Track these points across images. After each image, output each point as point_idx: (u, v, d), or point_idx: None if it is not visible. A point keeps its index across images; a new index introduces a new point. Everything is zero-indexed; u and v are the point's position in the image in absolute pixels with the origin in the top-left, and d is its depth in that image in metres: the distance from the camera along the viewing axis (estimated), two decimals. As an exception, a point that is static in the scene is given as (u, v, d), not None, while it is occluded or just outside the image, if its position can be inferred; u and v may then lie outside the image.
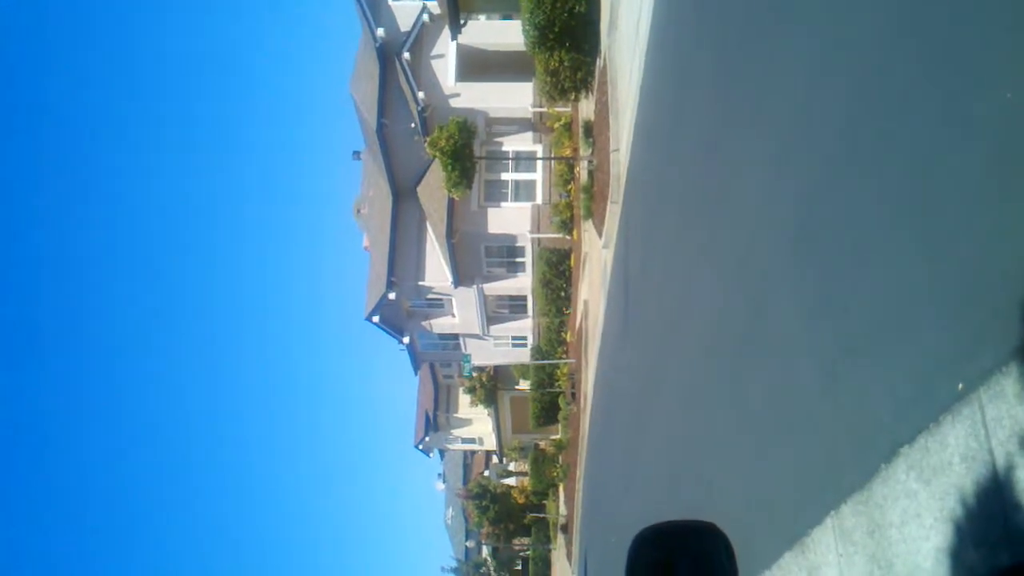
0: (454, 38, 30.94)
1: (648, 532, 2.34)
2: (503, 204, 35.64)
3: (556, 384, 36.72)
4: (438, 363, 50.45)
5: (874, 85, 4.26)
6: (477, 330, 40.15)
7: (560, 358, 35.13)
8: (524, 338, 40.92)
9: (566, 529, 37.47)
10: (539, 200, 35.07)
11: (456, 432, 55.61)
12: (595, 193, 22.28)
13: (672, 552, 2.31)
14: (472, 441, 56.74)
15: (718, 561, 2.27)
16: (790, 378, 5.46)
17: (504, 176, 35.81)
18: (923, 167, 3.68)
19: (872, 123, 4.26)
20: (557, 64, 23.48)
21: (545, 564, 48.18)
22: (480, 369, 44.86)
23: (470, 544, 65.17)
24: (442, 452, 63.10)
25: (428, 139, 26.87)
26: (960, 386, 3.20)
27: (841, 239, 4.61)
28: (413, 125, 33.89)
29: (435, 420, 53.83)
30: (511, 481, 54.63)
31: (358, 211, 44.87)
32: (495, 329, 40.48)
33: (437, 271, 36.92)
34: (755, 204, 6.48)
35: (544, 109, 33.08)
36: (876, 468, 3.94)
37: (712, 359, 7.96)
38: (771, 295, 5.90)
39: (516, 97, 34.52)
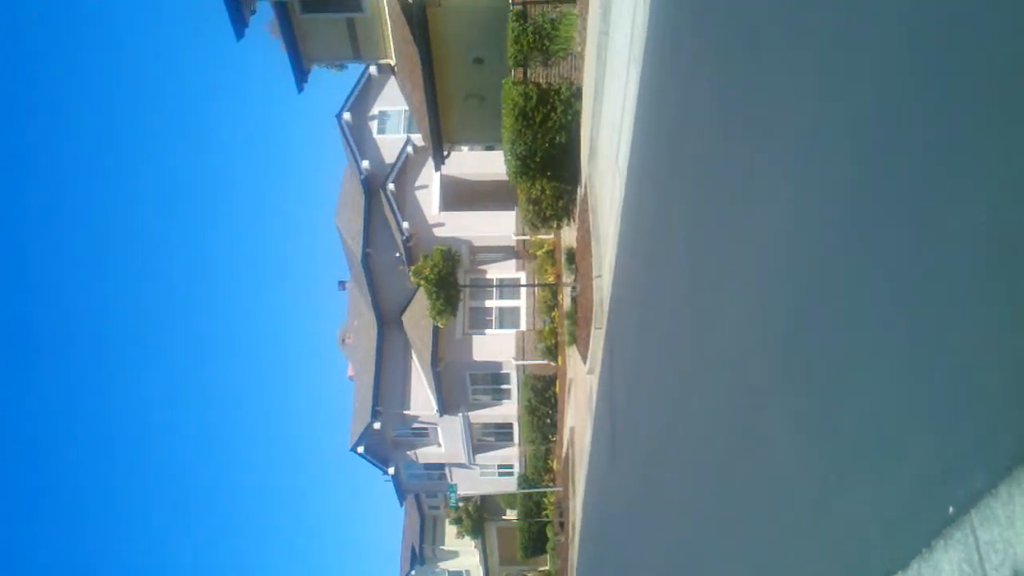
0: (438, 169, 31.59)
1: None
2: (488, 331, 35.77)
3: (544, 513, 36.12)
4: (424, 493, 49.63)
5: (857, 197, 4.30)
6: (463, 459, 39.69)
7: (547, 486, 34.64)
8: (510, 466, 40.43)
9: (557, 666, 36.19)
10: (523, 327, 35.22)
11: (443, 565, 54.22)
12: (579, 319, 22.37)
13: None
14: (459, 574, 55.27)
15: None
16: (780, 502, 5.35)
17: (488, 303, 36.06)
18: (909, 284, 3.69)
19: (855, 233, 4.28)
20: (539, 193, 23.94)
21: None
22: (466, 499, 44.11)
23: None
24: (429, 587, 61.41)
25: (412, 268, 27.12)
26: (951, 510, 3.12)
27: (830, 359, 4.58)
28: (398, 254, 34.28)
29: (421, 553, 52.56)
30: (500, 616, 53.01)
31: (343, 340, 44.88)
32: (481, 458, 40.02)
33: (422, 400, 36.74)
34: (739, 326, 6.49)
35: (527, 237, 33.56)
36: None
37: (700, 484, 7.83)
38: (759, 417, 5.84)
39: (499, 225, 35.07)
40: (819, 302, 4.75)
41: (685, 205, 9.05)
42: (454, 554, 53.32)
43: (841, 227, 4.43)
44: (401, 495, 46.51)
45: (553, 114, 21.71)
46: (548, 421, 34.03)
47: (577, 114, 21.22)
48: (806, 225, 5.02)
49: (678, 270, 9.43)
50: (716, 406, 7.26)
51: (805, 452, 4.88)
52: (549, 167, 22.81)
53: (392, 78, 34.29)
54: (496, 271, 36.42)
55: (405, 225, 34.12)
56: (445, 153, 28.79)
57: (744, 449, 6.23)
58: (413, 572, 52.63)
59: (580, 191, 22.11)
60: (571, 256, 24.56)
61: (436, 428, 38.62)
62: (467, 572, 54.20)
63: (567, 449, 29.07)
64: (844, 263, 4.40)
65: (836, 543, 4.36)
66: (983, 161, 3.08)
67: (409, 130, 35.74)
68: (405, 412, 37.51)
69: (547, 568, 38.51)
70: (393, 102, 36.10)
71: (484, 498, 45.76)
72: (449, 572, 54.79)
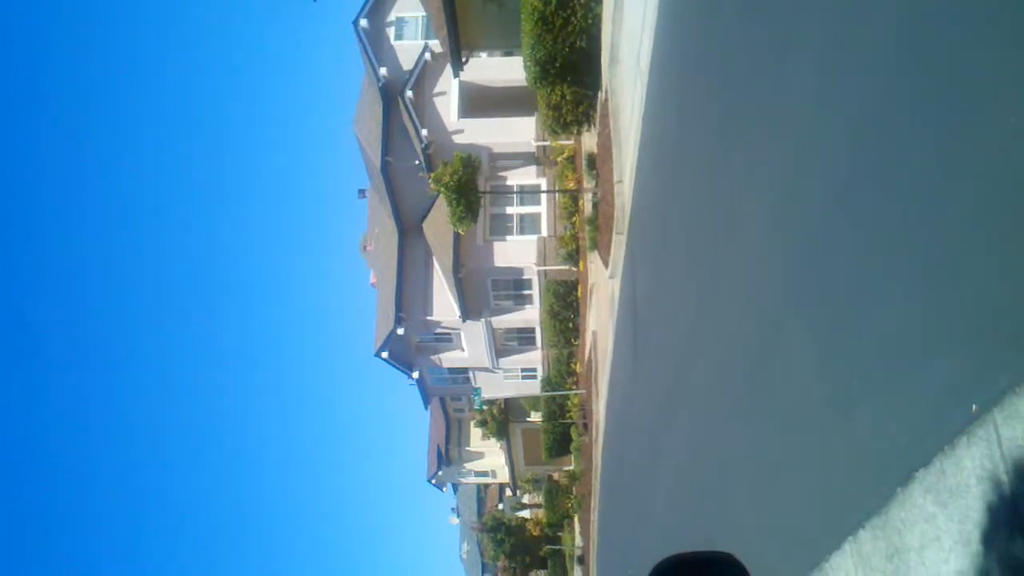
0: (456, 75, 31.23)
1: (666, 564, 2.34)
2: (508, 238, 35.79)
3: (567, 415, 36.66)
4: (448, 397, 50.41)
5: (877, 112, 4.32)
6: (486, 363, 40.14)
7: (570, 389, 35.09)
8: (534, 370, 40.90)
9: (583, 560, 37.25)
10: (544, 233, 35.21)
11: (469, 466, 55.42)
12: (600, 224, 22.38)
13: None
14: (485, 475, 56.52)
15: None
16: (804, 404, 5.47)
17: (509, 210, 36.01)
18: (932, 194, 3.72)
19: (879, 149, 4.30)
20: (559, 98, 23.68)
21: (562, 596, 47.83)
22: (491, 402, 44.81)
23: (486, 578, 64.73)
24: (455, 486, 62.85)
25: (432, 175, 27.03)
26: (974, 408, 3.21)
27: (853, 264, 4.63)
28: (417, 162, 34.14)
29: (447, 454, 53.69)
30: (526, 514, 54.39)
31: (364, 248, 45.06)
32: (504, 362, 40.47)
33: (445, 306, 37.02)
34: (763, 230, 6.51)
35: (547, 143, 33.30)
36: (893, 492, 3.93)
37: (725, 386, 7.97)
38: (783, 321, 5.92)
39: (519, 132, 34.76)
40: (843, 207, 4.78)
41: (708, 109, 8.99)
42: (479, 455, 54.44)
43: (866, 129, 4.46)
44: (426, 399, 47.23)
45: (573, 18, 21.35)
46: (570, 325, 34.29)
47: (598, 18, 20.87)
48: (828, 129, 5.03)
49: (700, 175, 9.42)
50: (739, 311, 7.34)
51: (829, 355, 4.97)
52: (569, 72, 22.52)
53: (409, -18, 33.78)
54: (516, 177, 36.26)
55: (424, 132, 33.89)
56: (464, 59, 28.42)
57: (767, 354, 6.33)
58: (440, 472, 53.88)
59: (601, 96, 21.89)
60: (592, 162, 24.44)
61: (459, 333, 38.97)
62: (493, 472, 55.41)
63: (589, 352, 29.40)
64: (867, 171, 4.42)
65: (860, 442, 4.47)
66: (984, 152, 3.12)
67: (427, 36, 35.19)
68: (428, 318, 37.85)
69: (572, 468, 39.30)
70: (410, 8, 35.48)
71: (508, 401, 46.45)
72: (475, 472, 56.06)
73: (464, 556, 70.24)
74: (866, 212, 4.43)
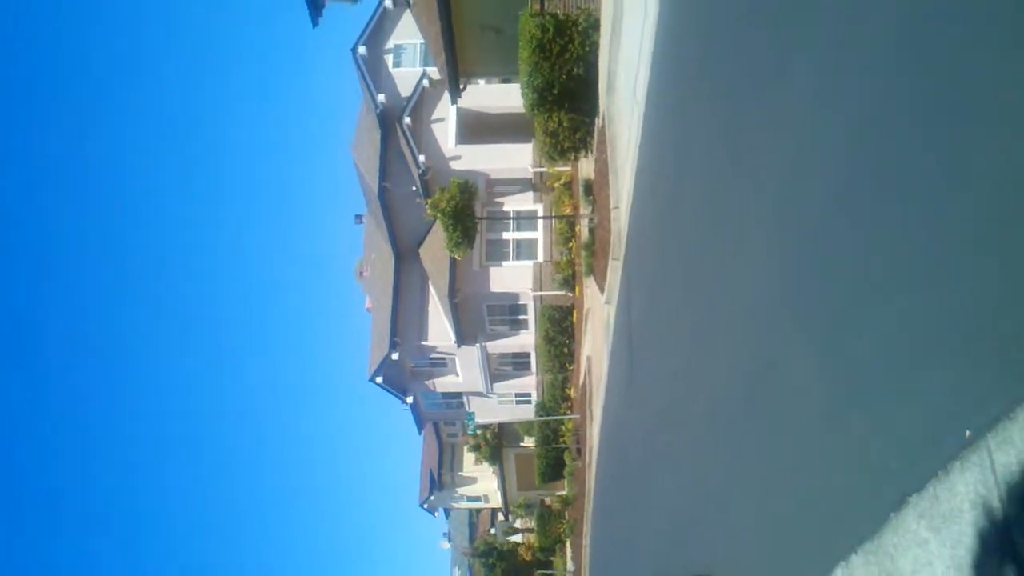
0: (454, 102, 31.40)
1: None
2: (505, 263, 35.88)
3: (561, 440, 36.62)
4: (442, 422, 50.36)
5: (871, 141, 4.38)
6: (481, 388, 40.12)
7: (564, 414, 35.06)
8: (528, 395, 40.88)
9: (575, 587, 37.06)
10: (540, 258, 35.31)
11: (461, 490, 55.20)
12: (596, 250, 22.48)
13: None
14: (477, 499, 56.30)
15: None
16: (797, 429, 5.46)
17: (505, 236, 36.11)
18: (924, 216, 3.75)
19: (870, 176, 4.35)
20: (556, 125, 23.82)
21: (555, 622, 47.48)
22: (484, 427, 44.73)
23: (478, 604, 64.26)
24: (447, 511, 62.61)
25: (429, 201, 27.12)
26: (968, 433, 3.21)
27: (845, 290, 4.64)
28: (414, 188, 34.28)
29: (440, 479, 53.52)
30: (518, 538, 54.10)
31: (360, 273, 45.15)
32: (499, 387, 40.46)
33: (440, 331, 37.05)
34: (757, 256, 6.56)
35: (544, 169, 33.44)
36: (886, 517, 3.93)
37: (717, 412, 7.98)
38: (777, 347, 5.94)
39: (516, 158, 34.93)
40: (835, 234, 4.82)
41: (704, 137, 9.06)
42: (472, 480, 54.25)
43: (859, 155, 4.51)
44: (419, 423, 47.14)
45: (571, 46, 21.51)
46: (565, 350, 34.31)
47: (595, 46, 21.04)
48: (823, 156, 5.08)
49: (697, 202, 9.47)
50: (733, 337, 7.36)
51: (823, 378, 4.95)
52: (566, 99, 22.67)
53: (407, 11, 33.97)
54: (513, 203, 36.40)
55: (421, 158, 34.04)
56: (461, 86, 28.59)
57: (762, 376, 6.34)
58: (432, 497, 53.67)
59: (598, 123, 22.03)
60: (588, 188, 24.56)
61: (454, 358, 38.99)
62: (485, 497, 55.20)
63: (584, 377, 29.41)
64: (857, 197, 4.45)
65: (853, 466, 4.47)
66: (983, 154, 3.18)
67: (425, 63, 35.42)
68: (423, 343, 37.86)
69: (565, 493, 39.18)
70: (409, 35, 35.72)
71: (502, 425, 46.36)
72: (468, 497, 55.82)
73: (456, 582, 69.86)
74: (861, 235, 4.46)
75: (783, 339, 5.81)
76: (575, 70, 21.74)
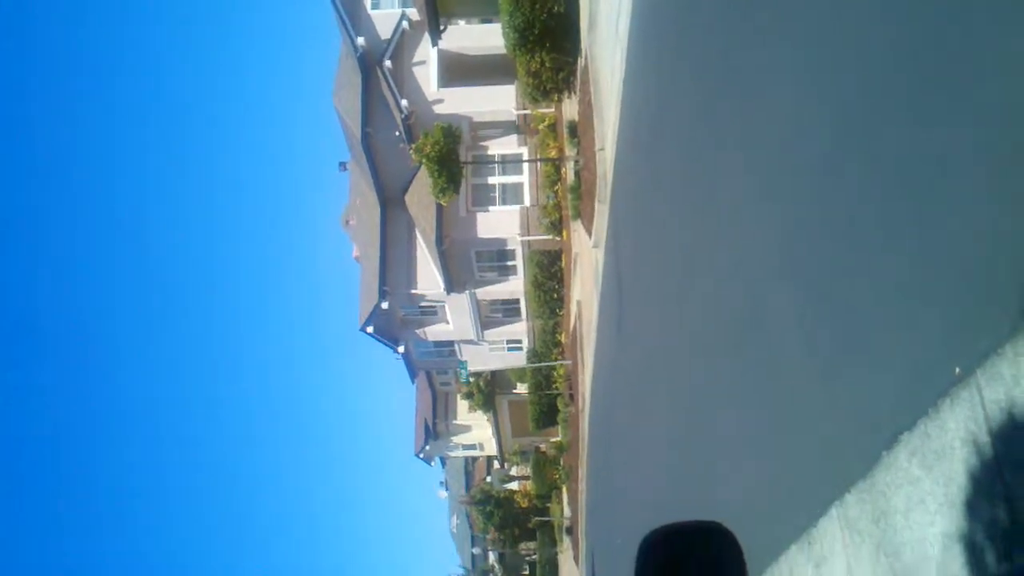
0: (435, 44, 30.94)
1: (656, 534, 2.37)
2: (491, 208, 35.62)
3: (554, 386, 36.73)
4: (435, 371, 50.40)
5: (867, 77, 4.25)
6: (472, 336, 40.11)
7: (556, 360, 35.12)
8: (519, 341, 40.90)
9: (571, 531, 37.45)
10: (527, 203, 35.06)
11: (456, 439, 55.52)
12: (583, 193, 22.28)
13: (680, 553, 2.36)
14: (473, 447, 56.66)
15: (726, 559, 2.32)
16: (788, 371, 5.44)
17: (491, 180, 35.80)
18: (914, 158, 3.67)
19: (864, 118, 4.25)
20: (538, 65, 23.49)
21: (552, 567, 48.10)
22: (477, 375, 44.83)
23: (476, 551, 65.06)
24: (443, 460, 63.04)
25: (413, 146, 26.85)
26: (957, 370, 3.19)
27: (834, 231, 4.60)
28: (398, 133, 33.86)
29: (435, 428, 53.75)
30: (514, 486, 54.63)
31: (347, 222, 44.83)
32: (490, 334, 40.45)
33: (429, 278, 36.89)
34: (746, 197, 6.45)
35: (528, 111, 33.09)
36: (878, 456, 3.93)
37: (709, 355, 7.93)
38: (766, 289, 5.87)
39: (499, 100, 34.52)
40: (826, 173, 4.72)
41: (688, 74, 8.88)
42: (467, 428, 54.52)
43: (854, 90, 4.38)
44: (412, 373, 47.21)
45: (551, -17, 21.18)
46: (555, 296, 34.24)
47: (575, -18, 20.70)
48: (814, 89, 4.95)
49: (681, 142, 9.32)
50: (723, 277, 7.28)
51: (813, 321, 4.94)
52: (548, 38, 22.35)
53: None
54: (498, 147, 36.03)
55: (404, 103, 33.58)
56: (441, 27, 28.15)
57: (752, 320, 6.29)
58: (427, 446, 53.96)
59: (580, 63, 21.71)
60: (573, 129, 24.28)
61: (444, 306, 38.88)
62: (480, 445, 55.55)
63: (575, 323, 29.39)
64: (850, 137, 4.36)
65: (844, 407, 4.46)
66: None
67: (404, 4, 34.80)
68: (412, 291, 37.72)
69: (559, 439, 39.40)
70: (386, -26, 35.13)
71: (494, 373, 46.47)
72: (463, 446, 56.18)
73: (454, 530, 70.69)
74: (852, 174, 4.39)
75: (773, 281, 5.74)
76: (556, 8, 21.41)
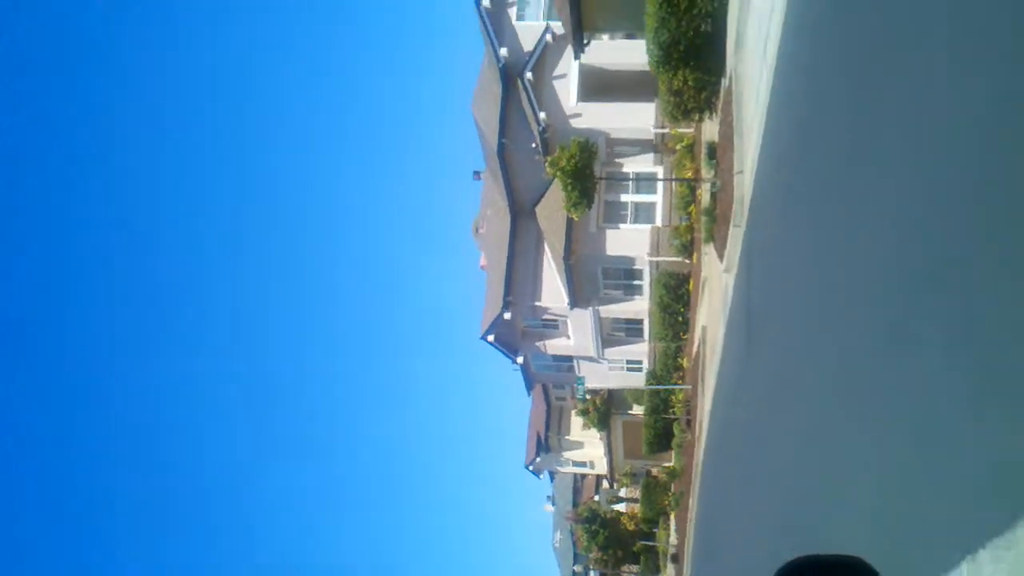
0: (577, 58, 30.91)
1: (792, 567, 2.25)
2: (622, 226, 35.39)
3: (671, 410, 36.15)
4: (551, 384, 50.36)
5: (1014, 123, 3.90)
6: (592, 353, 39.89)
7: (676, 384, 34.54)
8: (639, 362, 40.44)
9: (676, 559, 36.72)
10: (659, 222, 34.68)
11: (567, 455, 55.34)
12: (717, 216, 21.80)
13: None
14: (583, 465, 56.36)
15: None
16: (930, 413, 5.08)
17: (624, 198, 35.57)
18: None
19: (1012, 154, 3.93)
20: (681, 84, 23.12)
21: (653, 593, 47.31)
22: (594, 392, 44.54)
23: (577, 568, 64.45)
24: (552, 474, 62.89)
25: (549, 159, 26.86)
26: None
27: (986, 265, 4.27)
28: (534, 145, 33.99)
29: (547, 441, 53.70)
30: (621, 507, 53.94)
31: (476, 230, 45.27)
32: (610, 352, 40.13)
33: (553, 292, 36.88)
34: (890, 235, 6.12)
35: (666, 130, 32.74)
36: (1020, 514, 3.59)
37: (845, 385, 7.56)
38: (913, 321, 5.51)
39: (638, 118, 34.31)
40: (975, 214, 4.44)
41: (839, 101, 8.52)
42: (579, 444, 54.30)
43: (1005, 109, 4.03)
44: (529, 384, 47.28)
45: (699, 0, 20.81)
46: (680, 319, 33.68)
47: (724, 1, 20.27)
48: (971, 111, 4.62)
49: (828, 167, 8.96)
50: (864, 311, 6.93)
51: (960, 363, 4.60)
52: (693, 57, 21.97)
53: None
54: (632, 165, 35.77)
55: (542, 115, 33.71)
56: (585, 41, 28.06)
57: (895, 356, 5.94)
58: (538, 459, 53.94)
59: (724, 83, 21.28)
60: (712, 151, 23.79)
61: (566, 320, 38.80)
62: (591, 463, 55.21)
63: (698, 347, 28.81)
64: (1004, 168, 4.02)
65: (987, 455, 4.11)
66: None
67: (549, 17, 34.94)
68: (535, 303, 37.77)
69: (672, 464, 38.73)
70: (533, -14, 35.39)
71: (611, 392, 46.11)
72: (573, 462, 55.92)
73: (556, 545, 70.30)
74: (1002, 213, 4.04)
75: (919, 314, 5.39)
76: (703, 26, 21.03)
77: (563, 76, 34.83)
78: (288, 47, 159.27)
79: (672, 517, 39.56)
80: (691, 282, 32.22)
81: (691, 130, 30.38)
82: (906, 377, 5.64)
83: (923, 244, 5.35)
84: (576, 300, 36.24)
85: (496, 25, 35.30)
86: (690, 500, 29.54)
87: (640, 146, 35.52)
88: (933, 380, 5.08)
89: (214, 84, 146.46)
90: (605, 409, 47.00)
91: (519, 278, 37.63)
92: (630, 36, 33.11)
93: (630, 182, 35.35)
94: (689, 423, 32.33)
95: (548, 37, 34.51)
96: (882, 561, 5.41)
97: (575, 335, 39.21)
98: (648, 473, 45.51)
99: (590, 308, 37.13)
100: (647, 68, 24.41)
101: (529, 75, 33.94)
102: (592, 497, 58.17)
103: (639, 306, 36.88)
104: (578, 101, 34.56)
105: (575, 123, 34.08)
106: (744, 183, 17.22)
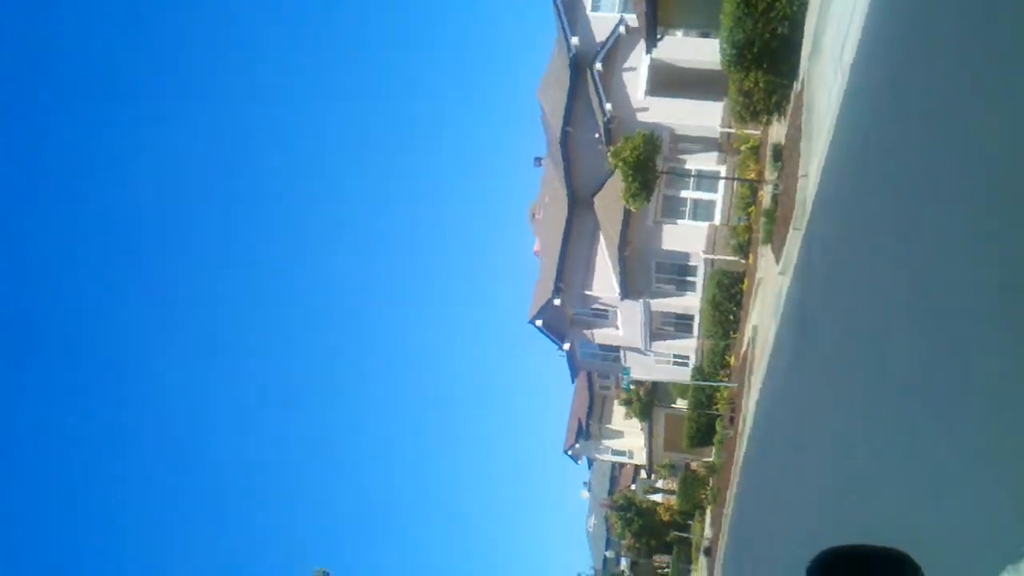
0: (649, 52, 30.99)
1: (832, 554, 2.12)
2: (679, 221, 35.48)
3: (715, 407, 36.23)
4: (596, 373, 50.61)
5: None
6: (639, 344, 40.05)
7: (721, 381, 34.64)
8: (686, 357, 40.54)
9: (709, 553, 36.88)
10: (717, 221, 34.72)
11: (607, 443, 55.61)
12: (778, 218, 21.90)
13: None
14: (622, 454, 56.61)
15: None
16: (988, 415, 5.28)
17: (684, 194, 35.63)
18: None
19: None
20: (752, 85, 23.16)
21: (683, 584, 47.52)
22: (638, 383, 44.72)
23: (609, 554, 64.96)
24: (590, 461, 63.26)
25: (612, 149, 26.99)
26: None
27: None
28: (597, 135, 34.18)
29: (587, 428, 54.02)
30: (657, 498, 54.16)
31: (533, 216, 45.56)
32: (657, 345, 40.27)
33: (605, 282, 37.09)
34: (958, 249, 6.30)
35: (732, 130, 32.71)
36: None
37: (897, 398, 7.74)
38: (975, 341, 5.71)
39: (705, 116, 34.32)
40: None
41: (913, 112, 8.69)
42: (619, 434, 54.54)
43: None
44: (574, 371, 47.58)
45: (778, 2, 20.83)
46: (731, 317, 33.70)
47: (804, 5, 20.30)
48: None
49: (895, 180, 9.12)
50: (925, 325, 7.08)
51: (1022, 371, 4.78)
52: (766, 59, 21.99)
53: (611, -47, 33.72)
54: (695, 162, 35.81)
55: (608, 106, 33.88)
56: (659, 36, 28.17)
57: (957, 361, 6.09)
58: (578, 445, 54.32)
59: (796, 87, 21.34)
60: (777, 153, 23.85)
61: (616, 311, 38.99)
62: (630, 452, 55.42)
63: (747, 347, 28.90)
64: None
65: None
66: None
67: (624, 9, 35.04)
68: (586, 292, 38.01)
69: (712, 460, 38.85)
70: (611, -21, 35.52)
71: (656, 384, 46.25)
72: (613, 450, 56.21)
73: (590, 529, 70.75)
74: None
75: (983, 323, 5.58)
76: (779, 29, 21.05)
77: (633, 69, 34.92)
78: (351, 34, 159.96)
79: (708, 511, 39.71)
80: (745, 282, 32.26)
81: (758, 132, 30.34)
82: (963, 387, 5.84)
83: (999, 264, 5.52)
84: (627, 291, 36.42)
85: (570, 14, 35.47)
86: (727, 495, 29.71)
87: (704, 144, 35.54)
88: (992, 392, 5.28)
89: (290, 82, 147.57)
90: (648, 400, 47.18)
91: (572, 266, 37.89)
92: (704, 34, 33.09)
93: (691, 179, 35.40)
94: (732, 420, 32.42)
95: (621, 29, 34.61)
96: (923, 562, 5.70)
97: (624, 326, 39.40)
98: (687, 466, 45.61)
99: (641, 300, 37.28)
100: (718, 67, 24.45)
101: (599, 66, 34.10)
102: (629, 486, 58.43)
103: (690, 302, 36.97)
104: (646, 95, 34.65)
105: (641, 116, 34.18)
106: (808, 187, 17.35)
